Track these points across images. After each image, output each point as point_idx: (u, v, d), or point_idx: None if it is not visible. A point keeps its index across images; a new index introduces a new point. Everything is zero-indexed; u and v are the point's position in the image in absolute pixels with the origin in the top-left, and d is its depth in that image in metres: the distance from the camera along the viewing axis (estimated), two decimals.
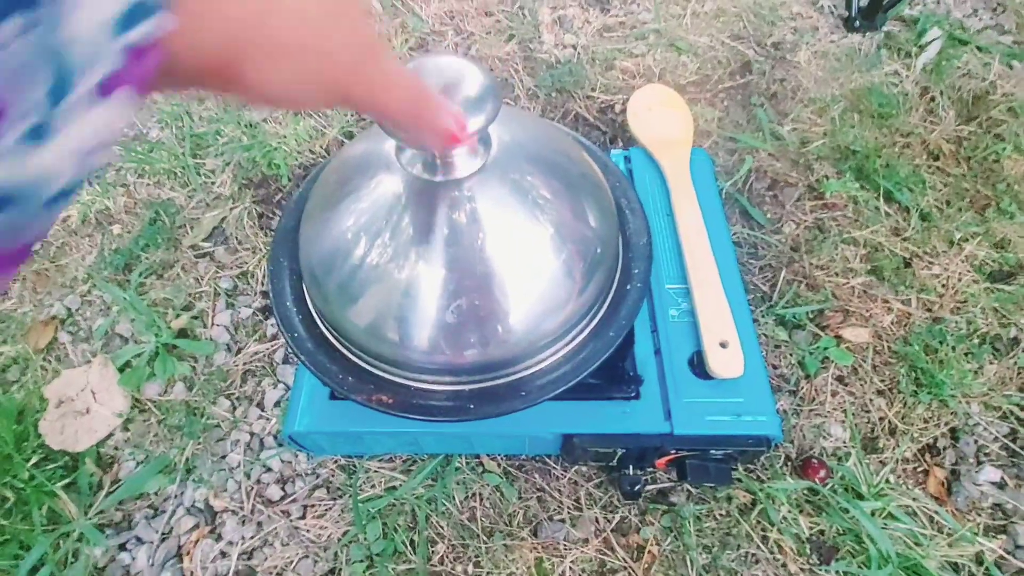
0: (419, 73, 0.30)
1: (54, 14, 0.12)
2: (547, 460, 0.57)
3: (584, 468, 0.57)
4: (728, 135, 0.78)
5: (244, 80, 0.19)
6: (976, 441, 0.58)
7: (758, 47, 0.87)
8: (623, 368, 0.50)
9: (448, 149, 0.32)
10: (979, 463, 0.57)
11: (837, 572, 0.52)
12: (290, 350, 0.50)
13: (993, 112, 0.79)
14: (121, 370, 0.63)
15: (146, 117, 0.83)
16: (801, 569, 0.52)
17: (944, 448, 0.58)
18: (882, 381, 0.61)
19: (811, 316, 0.64)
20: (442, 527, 0.54)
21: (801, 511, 0.54)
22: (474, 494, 0.56)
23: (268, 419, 0.60)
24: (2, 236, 0.13)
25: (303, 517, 0.55)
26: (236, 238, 0.72)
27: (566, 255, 0.37)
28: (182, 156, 0.78)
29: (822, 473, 0.55)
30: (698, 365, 0.50)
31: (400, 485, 0.56)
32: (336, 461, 0.58)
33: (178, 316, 0.66)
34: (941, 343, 0.62)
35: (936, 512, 0.54)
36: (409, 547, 0.53)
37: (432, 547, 0.53)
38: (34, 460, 0.58)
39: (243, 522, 0.55)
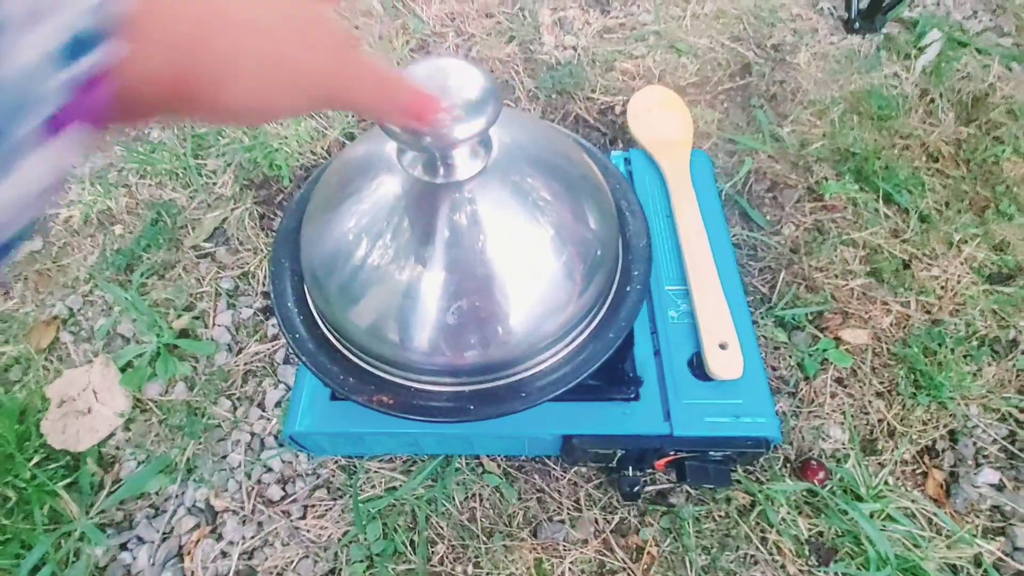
0: (419, 76, 0.31)
1: None
2: (547, 461, 0.57)
3: (584, 469, 0.57)
4: (728, 137, 0.78)
5: (209, 99, 0.18)
6: (975, 443, 0.58)
7: (758, 49, 0.87)
8: (623, 369, 0.50)
9: (427, 127, 0.29)
10: (978, 465, 0.57)
11: (836, 574, 0.52)
12: (291, 351, 0.51)
13: (992, 114, 0.79)
14: (123, 370, 0.63)
15: None
16: (800, 570, 0.52)
17: (943, 450, 0.58)
18: (881, 383, 0.61)
19: (810, 318, 0.65)
20: (442, 527, 0.54)
21: (800, 512, 0.54)
22: (474, 495, 0.56)
23: (269, 419, 0.60)
24: None
25: (303, 517, 0.56)
26: (237, 239, 0.72)
27: (566, 257, 0.38)
28: (184, 157, 0.78)
29: (821, 475, 0.55)
30: (697, 366, 0.50)
31: (400, 486, 0.56)
32: (336, 461, 0.58)
33: (179, 316, 0.66)
34: (940, 345, 0.62)
35: (935, 514, 0.54)
36: (409, 547, 0.53)
37: (432, 547, 0.54)
38: (36, 460, 0.58)
39: (244, 522, 0.56)
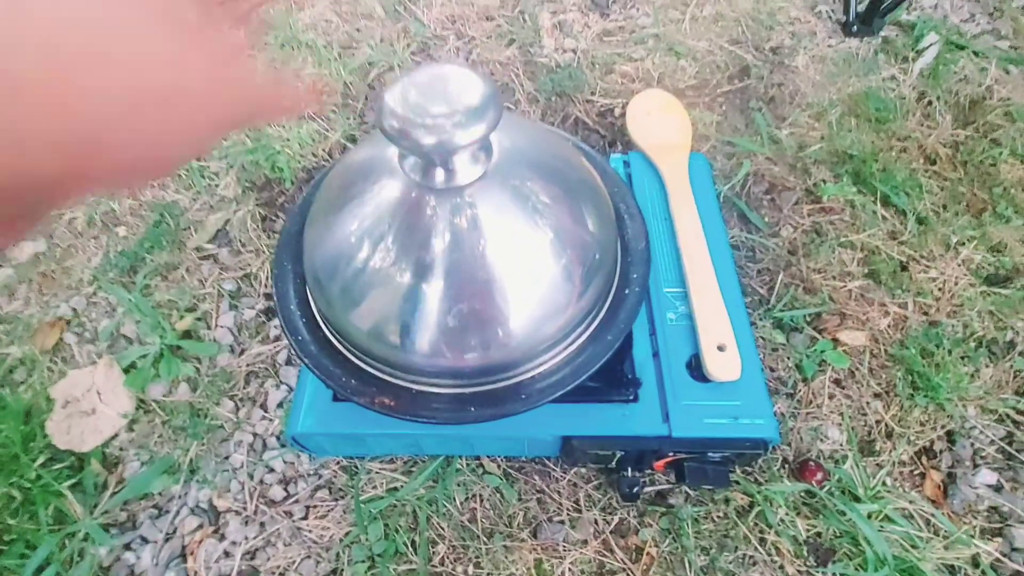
0: (421, 80, 0.31)
1: None
2: (547, 462, 0.58)
3: (583, 470, 0.57)
4: (726, 139, 0.78)
5: (116, 161, 0.16)
6: (972, 444, 0.58)
7: (756, 52, 0.88)
8: (622, 371, 0.51)
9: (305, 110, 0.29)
10: (975, 466, 0.57)
11: (834, 574, 0.52)
12: (294, 353, 0.51)
13: (990, 117, 0.79)
14: (126, 371, 0.64)
15: None
16: (798, 571, 0.52)
17: (940, 451, 0.58)
18: (879, 384, 0.61)
19: (808, 319, 0.65)
20: (443, 528, 0.55)
21: (798, 513, 0.55)
22: (474, 495, 0.56)
23: (271, 420, 0.61)
24: None
25: (305, 518, 0.56)
26: (240, 240, 0.73)
27: (566, 260, 0.38)
28: None
29: (819, 476, 0.55)
30: (696, 368, 0.50)
31: (401, 486, 0.56)
32: (338, 462, 0.58)
33: (182, 318, 0.67)
34: (938, 346, 0.62)
35: (932, 515, 0.54)
36: (410, 548, 0.54)
37: (433, 548, 0.54)
38: (41, 460, 0.58)
39: (246, 522, 0.56)
